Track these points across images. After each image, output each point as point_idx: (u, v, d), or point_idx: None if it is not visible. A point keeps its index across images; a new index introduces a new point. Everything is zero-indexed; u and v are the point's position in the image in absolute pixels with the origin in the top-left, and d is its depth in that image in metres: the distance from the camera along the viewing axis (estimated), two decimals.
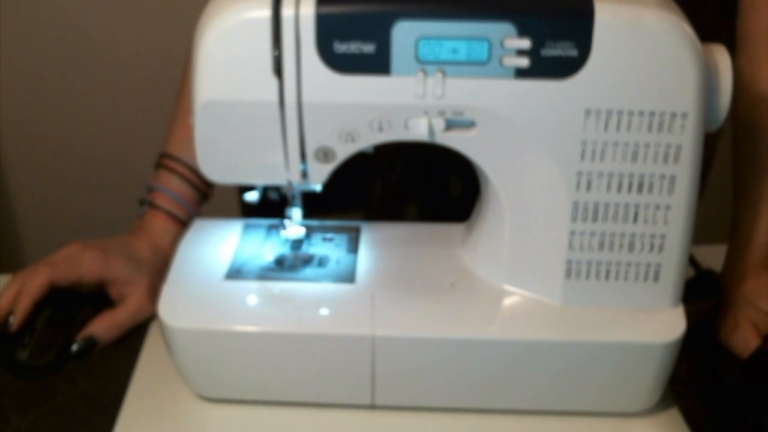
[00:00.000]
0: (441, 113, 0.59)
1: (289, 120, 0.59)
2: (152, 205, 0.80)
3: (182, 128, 0.82)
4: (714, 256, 0.75)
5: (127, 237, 0.78)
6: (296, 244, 0.72)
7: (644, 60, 0.56)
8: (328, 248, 0.72)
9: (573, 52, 0.56)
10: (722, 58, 0.60)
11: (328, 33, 0.56)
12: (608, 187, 0.61)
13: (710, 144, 0.91)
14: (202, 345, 0.65)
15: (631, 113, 0.58)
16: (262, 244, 0.73)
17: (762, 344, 0.65)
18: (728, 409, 0.64)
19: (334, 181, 0.64)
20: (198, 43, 0.57)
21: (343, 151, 0.61)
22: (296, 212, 0.71)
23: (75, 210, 1.69)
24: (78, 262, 0.73)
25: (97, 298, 0.76)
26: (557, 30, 0.55)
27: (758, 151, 0.72)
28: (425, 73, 0.57)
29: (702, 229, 0.93)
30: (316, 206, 0.75)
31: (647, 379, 0.64)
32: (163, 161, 0.81)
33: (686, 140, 0.59)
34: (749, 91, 0.72)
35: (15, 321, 0.71)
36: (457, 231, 0.73)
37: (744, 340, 0.66)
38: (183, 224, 0.80)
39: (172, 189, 0.80)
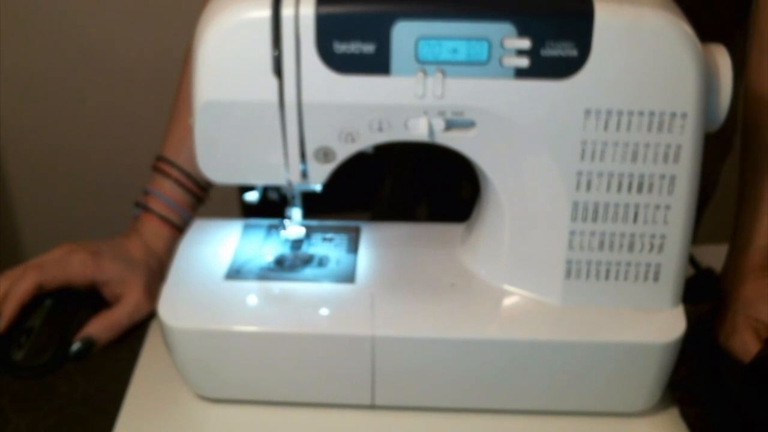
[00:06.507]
0: (441, 113, 0.59)
1: (289, 120, 0.59)
2: (146, 208, 0.80)
3: (179, 130, 0.82)
4: (714, 256, 0.75)
5: (120, 238, 0.79)
6: (296, 244, 0.72)
7: (644, 60, 0.56)
8: (328, 248, 0.72)
9: (573, 52, 0.56)
10: (722, 58, 0.60)
11: (328, 33, 0.56)
12: (608, 187, 0.61)
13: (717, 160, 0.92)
14: (202, 345, 0.65)
15: (631, 113, 0.58)
16: (262, 244, 0.73)
17: (763, 349, 0.65)
18: (730, 413, 0.64)
19: (342, 180, 0.64)
20: (198, 43, 0.57)
21: (343, 151, 0.61)
22: (296, 212, 0.71)
23: (75, 210, 1.69)
24: (67, 265, 0.73)
25: (95, 297, 0.76)
26: (557, 30, 0.55)
27: (761, 152, 0.72)
28: (425, 73, 0.57)
29: (703, 229, 0.93)
30: (322, 205, 0.75)
31: (647, 379, 0.64)
32: (158, 164, 0.81)
33: (686, 140, 0.59)
34: (756, 93, 0.72)
35: (1, 325, 0.70)
36: (457, 231, 0.73)
37: (743, 344, 0.66)
38: (176, 228, 0.80)
39: (165, 193, 0.80)
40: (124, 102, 1.59)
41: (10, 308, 0.70)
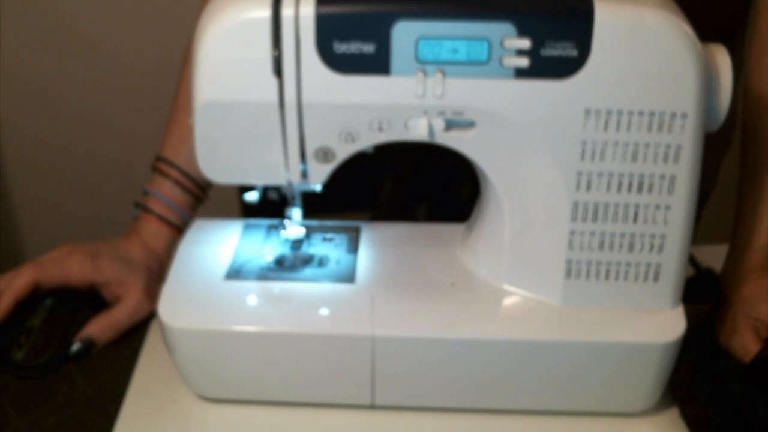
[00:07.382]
0: (441, 113, 0.59)
1: (289, 120, 0.59)
2: (145, 208, 0.80)
3: (178, 130, 0.82)
4: (714, 256, 0.75)
5: (119, 239, 0.79)
6: (296, 244, 0.72)
7: (644, 60, 0.56)
8: (328, 248, 0.72)
9: (573, 52, 0.56)
10: (722, 58, 0.60)
11: (328, 33, 0.56)
12: (608, 187, 0.61)
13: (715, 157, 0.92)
14: (202, 345, 0.65)
15: (631, 113, 0.58)
16: (262, 244, 0.73)
17: (763, 348, 0.65)
18: (730, 413, 0.64)
19: (342, 180, 0.64)
20: (198, 43, 0.57)
21: (343, 151, 0.61)
22: (296, 212, 0.71)
23: (75, 210, 1.69)
24: (65, 265, 0.73)
25: (95, 297, 0.76)
26: (557, 30, 0.55)
27: (761, 153, 0.72)
28: (425, 73, 0.57)
29: (703, 229, 0.93)
30: (322, 205, 0.74)
31: (647, 379, 0.64)
32: (157, 165, 0.81)
33: (686, 140, 0.59)
34: (756, 92, 0.72)
35: None
36: (457, 231, 0.73)
37: (743, 344, 0.66)
38: (176, 228, 0.80)
39: (164, 194, 0.80)
40: (124, 102, 1.59)
41: (6, 303, 0.70)
